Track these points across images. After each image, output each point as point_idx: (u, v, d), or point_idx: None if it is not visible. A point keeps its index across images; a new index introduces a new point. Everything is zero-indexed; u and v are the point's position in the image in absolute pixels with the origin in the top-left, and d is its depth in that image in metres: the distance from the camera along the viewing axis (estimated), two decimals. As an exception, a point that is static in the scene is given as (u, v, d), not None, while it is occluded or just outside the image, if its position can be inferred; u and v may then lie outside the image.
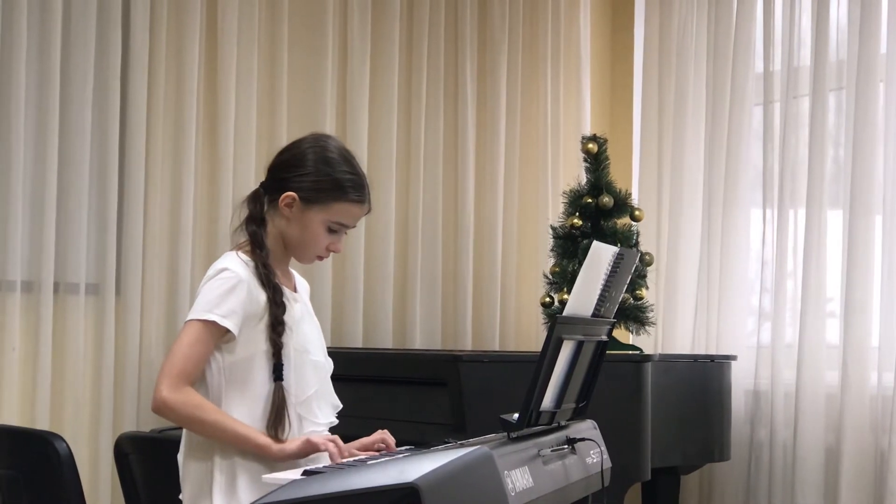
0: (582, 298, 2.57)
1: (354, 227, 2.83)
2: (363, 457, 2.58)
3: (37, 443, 3.00)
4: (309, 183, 2.72)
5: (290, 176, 2.74)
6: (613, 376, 3.63)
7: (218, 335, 2.62)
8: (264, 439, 2.60)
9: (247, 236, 2.75)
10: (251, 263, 2.69)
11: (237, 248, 2.75)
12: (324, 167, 2.74)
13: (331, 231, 2.76)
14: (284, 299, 2.69)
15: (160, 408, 2.58)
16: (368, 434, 2.83)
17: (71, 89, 4.20)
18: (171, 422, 2.65)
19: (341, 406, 2.85)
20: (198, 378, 2.63)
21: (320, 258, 2.82)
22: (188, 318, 2.63)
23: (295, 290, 2.84)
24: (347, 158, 2.78)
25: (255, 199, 2.78)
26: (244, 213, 2.78)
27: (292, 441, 2.61)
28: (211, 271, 2.69)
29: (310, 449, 2.59)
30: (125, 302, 4.31)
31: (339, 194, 2.73)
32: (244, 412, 2.64)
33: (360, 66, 4.92)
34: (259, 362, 2.65)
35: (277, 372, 2.65)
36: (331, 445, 2.59)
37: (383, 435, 2.80)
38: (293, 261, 2.87)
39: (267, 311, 2.66)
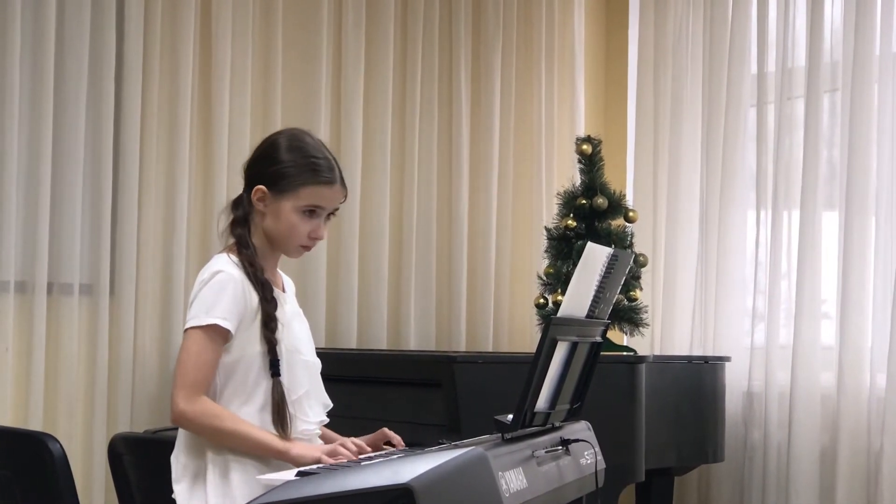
0: (576, 300, 2.57)
1: (333, 210, 2.78)
2: (361, 456, 2.59)
3: (30, 443, 2.99)
4: (276, 172, 2.72)
5: (259, 169, 2.76)
6: (607, 377, 3.63)
7: (221, 338, 2.62)
8: (283, 444, 2.61)
9: (234, 239, 2.75)
10: (241, 264, 2.69)
11: (227, 250, 2.75)
12: (290, 155, 2.73)
13: (308, 217, 2.74)
14: (275, 296, 2.70)
15: (179, 420, 2.60)
16: (363, 435, 2.84)
17: (65, 90, 4.19)
18: (191, 433, 2.65)
19: (332, 405, 2.85)
20: (210, 384, 2.63)
21: (306, 248, 2.78)
22: (189, 325, 2.63)
23: (283, 289, 2.84)
24: (317, 146, 2.77)
25: (239, 201, 2.79)
26: (229, 216, 2.79)
27: (309, 450, 2.60)
28: (205, 275, 2.68)
29: (325, 462, 2.57)
30: (119, 302, 4.30)
31: (305, 178, 2.72)
32: (238, 412, 2.64)
33: (355, 67, 4.92)
34: (255, 363, 2.65)
35: (274, 368, 2.66)
36: (345, 453, 2.59)
37: (384, 433, 2.81)
38: (286, 260, 2.87)
39: (259, 310, 2.66)
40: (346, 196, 2.80)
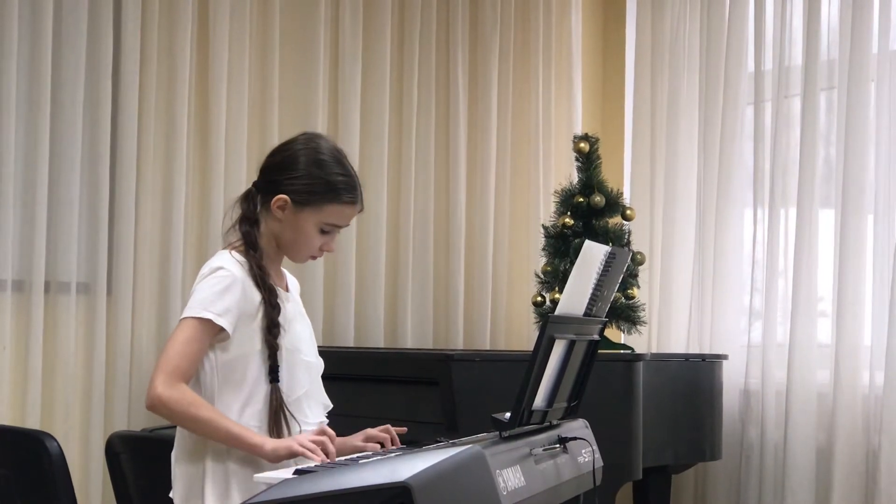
0: (574, 298, 2.57)
1: (347, 226, 2.82)
2: (355, 455, 2.58)
3: (28, 442, 2.99)
4: (301, 186, 2.72)
5: (282, 178, 2.74)
6: (605, 375, 3.63)
7: (213, 333, 2.62)
8: (257, 439, 2.58)
9: (239, 236, 2.75)
10: (245, 263, 2.69)
11: (230, 247, 2.75)
12: (316, 170, 2.73)
13: (323, 232, 2.76)
14: (278, 300, 2.69)
15: (154, 404, 2.57)
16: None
17: (62, 88, 4.19)
18: (164, 419, 2.64)
19: (332, 406, 2.85)
20: (192, 375, 2.62)
21: (313, 258, 2.82)
22: (183, 315, 2.63)
23: (287, 289, 2.84)
24: (339, 160, 2.78)
25: (247, 198, 2.78)
26: (237, 212, 2.78)
27: (284, 441, 2.60)
28: (205, 269, 2.68)
29: (300, 454, 2.56)
30: (116, 301, 4.30)
31: (331, 196, 2.73)
32: (237, 410, 2.64)
33: (352, 64, 4.92)
34: (253, 361, 2.65)
35: (273, 374, 2.65)
36: (320, 451, 2.57)
37: (387, 428, 2.82)
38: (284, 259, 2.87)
39: (261, 312, 2.66)
40: (362, 210, 2.82)
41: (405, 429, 2.88)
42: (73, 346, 4.19)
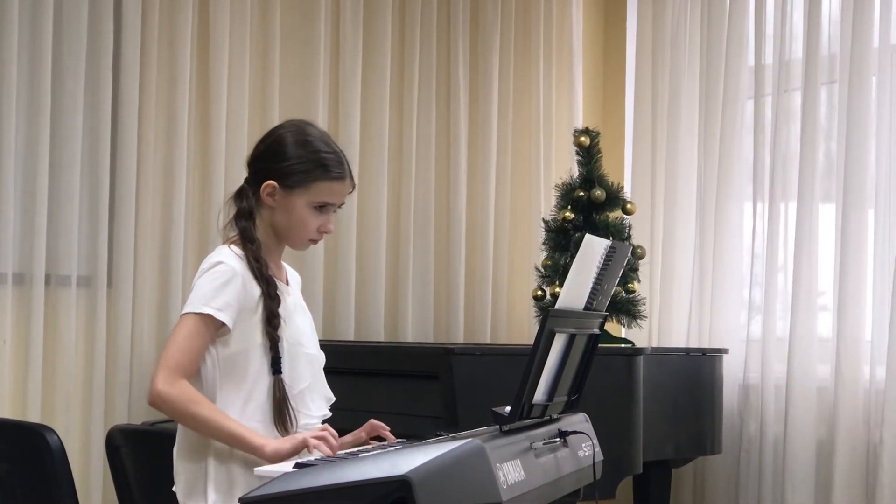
0: (574, 292, 2.57)
1: (342, 204, 2.81)
2: (356, 449, 2.58)
3: (28, 435, 2.99)
4: (287, 168, 2.72)
5: (270, 165, 2.75)
6: (605, 369, 3.63)
7: (213, 328, 2.62)
8: (259, 440, 2.57)
9: (237, 232, 2.75)
10: (244, 257, 2.69)
11: (228, 241, 2.75)
12: (301, 150, 2.73)
13: (318, 213, 2.75)
14: (278, 292, 2.69)
15: (155, 401, 2.57)
16: (360, 427, 2.84)
17: (63, 81, 4.18)
18: (166, 416, 2.64)
19: (334, 399, 2.85)
20: (194, 371, 2.62)
21: (314, 241, 2.80)
22: (183, 311, 2.63)
23: (287, 282, 2.84)
24: (325, 140, 2.78)
25: (240, 195, 2.78)
26: (232, 210, 2.78)
27: (286, 441, 2.59)
28: (205, 265, 2.68)
29: (302, 449, 2.56)
30: (117, 294, 4.30)
31: (318, 174, 2.72)
32: (239, 405, 2.64)
33: (353, 59, 4.91)
34: (254, 355, 2.65)
35: (276, 366, 2.65)
36: (323, 446, 2.57)
37: (371, 425, 2.81)
38: (285, 251, 2.86)
39: (261, 305, 2.66)
40: (354, 188, 2.82)
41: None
42: (73, 340, 4.19)
